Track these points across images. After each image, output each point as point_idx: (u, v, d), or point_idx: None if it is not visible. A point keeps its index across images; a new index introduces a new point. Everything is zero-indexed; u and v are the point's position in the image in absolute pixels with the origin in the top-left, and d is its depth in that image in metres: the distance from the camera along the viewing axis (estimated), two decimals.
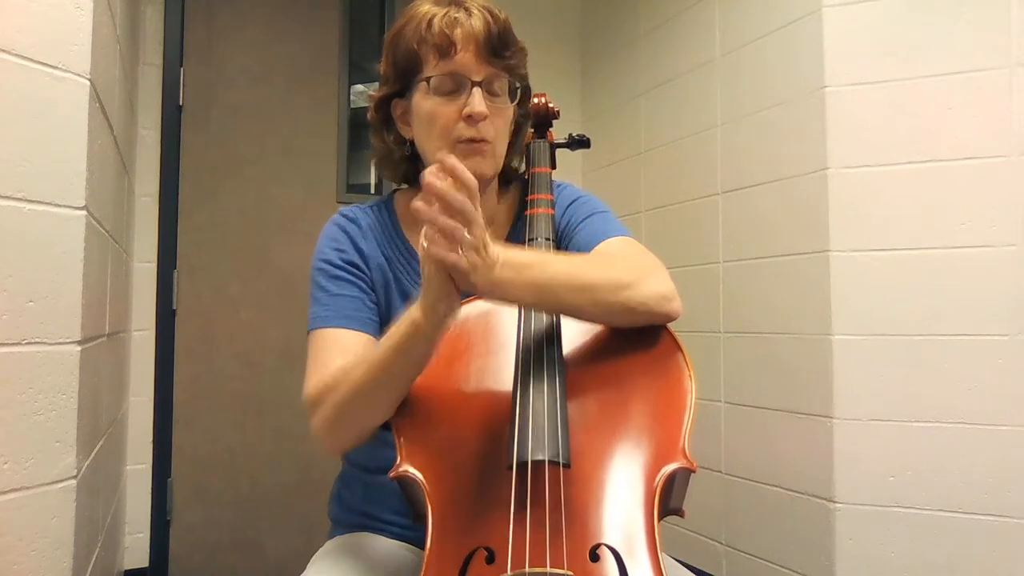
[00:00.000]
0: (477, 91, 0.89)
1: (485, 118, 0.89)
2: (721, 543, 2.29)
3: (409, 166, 1.00)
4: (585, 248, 0.93)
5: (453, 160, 0.68)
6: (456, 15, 0.89)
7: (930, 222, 1.84)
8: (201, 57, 2.51)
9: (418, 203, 0.67)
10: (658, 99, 2.67)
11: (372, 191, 2.93)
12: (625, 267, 0.85)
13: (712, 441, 2.33)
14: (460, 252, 0.68)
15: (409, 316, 0.75)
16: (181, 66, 2.47)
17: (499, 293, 0.75)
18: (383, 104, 0.98)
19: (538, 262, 0.79)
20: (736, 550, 2.23)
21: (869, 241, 1.89)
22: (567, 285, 0.79)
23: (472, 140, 0.90)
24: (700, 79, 2.45)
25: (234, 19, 2.57)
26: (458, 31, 0.88)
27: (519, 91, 0.95)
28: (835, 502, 1.88)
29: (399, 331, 0.76)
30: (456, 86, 0.90)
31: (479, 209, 0.69)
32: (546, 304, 0.80)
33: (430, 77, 0.90)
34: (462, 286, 0.72)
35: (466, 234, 0.68)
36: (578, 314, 0.82)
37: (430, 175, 0.67)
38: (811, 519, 1.95)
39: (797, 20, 2.05)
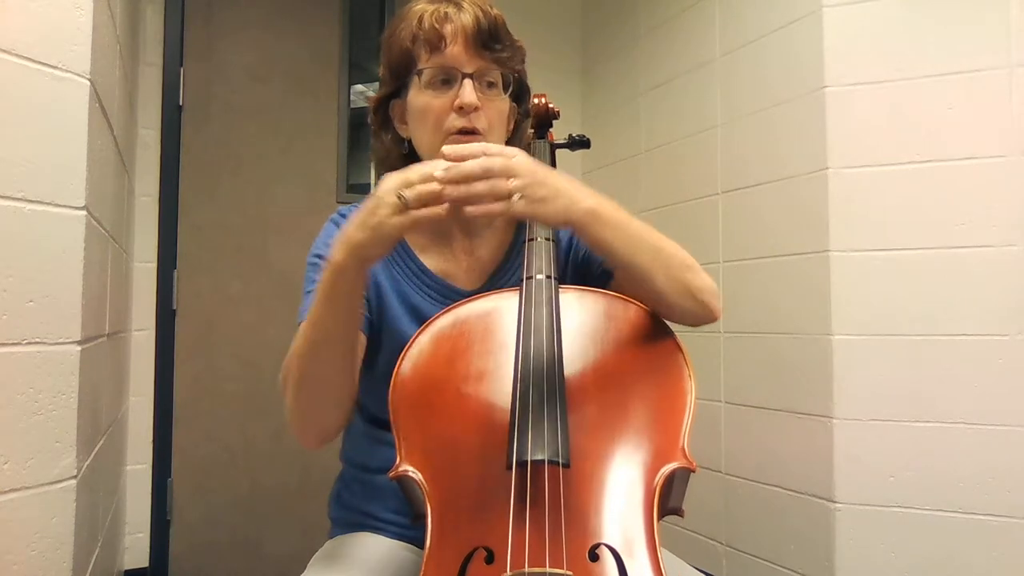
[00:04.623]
0: (468, 82, 0.90)
1: (476, 109, 0.90)
2: (721, 543, 2.29)
3: (407, 166, 1.00)
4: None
5: (453, 147, 0.73)
6: (446, 10, 0.91)
7: (930, 222, 1.84)
8: (201, 57, 2.51)
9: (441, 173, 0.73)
10: (658, 99, 2.66)
11: (372, 191, 2.92)
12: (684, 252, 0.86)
13: (712, 441, 2.33)
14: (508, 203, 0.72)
15: (330, 260, 0.76)
16: (181, 66, 2.47)
17: (591, 224, 0.77)
18: (381, 105, 0.99)
19: (621, 210, 0.81)
20: (736, 550, 2.23)
21: (869, 241, 1.89)
22: (646, 241, 0.81)
23: (464, 131, 0.90)
24: (700, 79, 2.44)
25: (234, 19, 2.58)
26: (448, 26, 0.90)
27: (512, 83, 0.96)
28: (835, 502, 1.88)
29: (322, 280, 0.77)
30: (447, 79, 0.91)
31: (503, 155, 0.74)
32: (625, 252, 0.80)
33: (422, 71, 0.91)
34: (550, 222, 0.78)
35: (510, 183, 0.72)
36: (646, 279, 0.81)
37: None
38: (811, 519, 1.95)
39: (797, 20, 2.05)
